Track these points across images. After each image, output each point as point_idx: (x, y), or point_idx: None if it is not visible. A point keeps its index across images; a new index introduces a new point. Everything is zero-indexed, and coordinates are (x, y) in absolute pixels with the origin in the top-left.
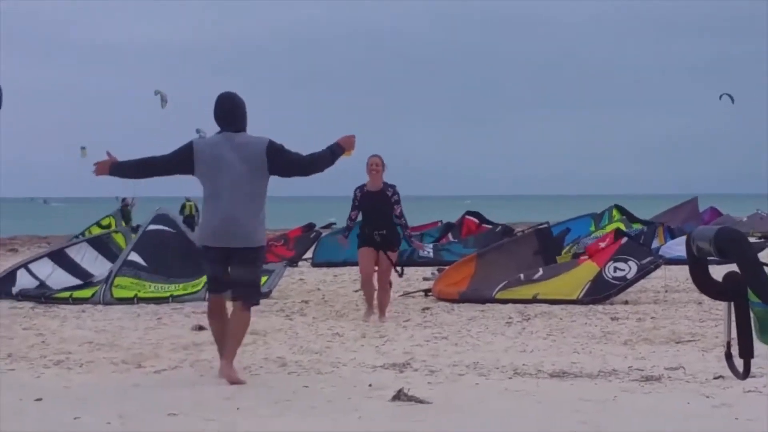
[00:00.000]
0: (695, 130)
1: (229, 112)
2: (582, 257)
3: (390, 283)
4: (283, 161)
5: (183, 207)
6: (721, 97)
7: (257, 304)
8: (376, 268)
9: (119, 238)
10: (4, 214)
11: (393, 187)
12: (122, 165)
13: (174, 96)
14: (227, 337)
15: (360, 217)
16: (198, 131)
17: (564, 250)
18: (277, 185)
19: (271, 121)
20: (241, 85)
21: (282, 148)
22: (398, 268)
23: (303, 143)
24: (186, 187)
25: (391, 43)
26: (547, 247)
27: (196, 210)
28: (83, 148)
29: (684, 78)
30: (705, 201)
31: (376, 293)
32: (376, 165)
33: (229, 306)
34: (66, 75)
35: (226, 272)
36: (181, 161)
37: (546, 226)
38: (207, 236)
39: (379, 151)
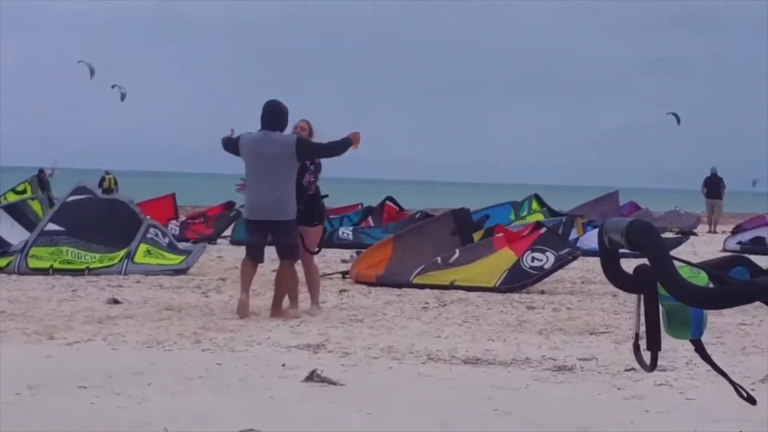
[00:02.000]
0: (631, 124)
1: (273, 115)
2: (497, 236)
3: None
4: (309, 151)
5: (102, 180)
6: (668, 114)
7: (296, 258)
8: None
9: (36, 206)
10: None
11: None
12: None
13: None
14: (276, 288)
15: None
16: (114, 86)
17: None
18: (200, 162)
19: (239, 107)
20: (197, 63)
21: (308, 142)
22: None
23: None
24: (105, 160)
25: (361, 29)
26: (464, 227)
27: (115, 183)
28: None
29: (629, 73)
30: (629, 195)
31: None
32: (301, 129)
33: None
34: None
35: (263, 241)
36: (233, 147)
37: (464, 207)
38: (250, 212)
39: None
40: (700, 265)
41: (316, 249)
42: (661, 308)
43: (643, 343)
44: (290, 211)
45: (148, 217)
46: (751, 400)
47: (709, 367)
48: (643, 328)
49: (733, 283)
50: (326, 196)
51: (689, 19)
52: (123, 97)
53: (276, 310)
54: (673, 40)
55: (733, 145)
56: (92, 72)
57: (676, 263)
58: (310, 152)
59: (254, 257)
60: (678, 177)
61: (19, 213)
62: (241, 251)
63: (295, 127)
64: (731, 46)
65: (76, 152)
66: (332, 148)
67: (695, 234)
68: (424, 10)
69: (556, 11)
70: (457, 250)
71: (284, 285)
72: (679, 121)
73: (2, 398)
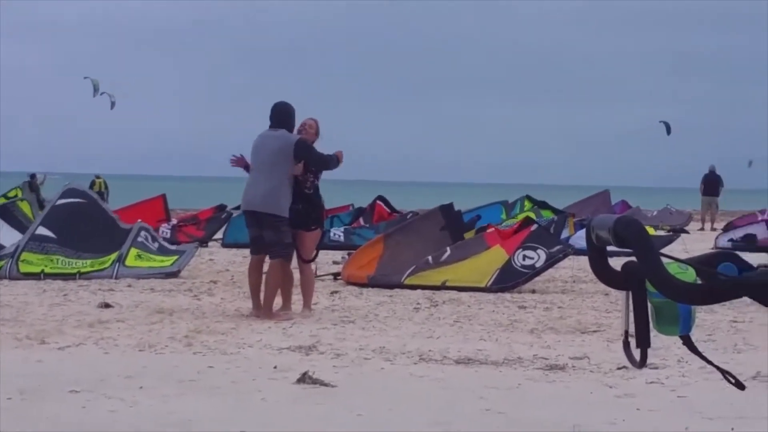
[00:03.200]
0: (631, 124)
1: (278, 114)
2: (488, 232)
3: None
4: (306, 155)
5: (92, 183)
6: (660, 122)
7: (284, 257)
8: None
9: (25, 207)
10: None
11: None
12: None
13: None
14: (265, 288)
15: None
16: (103, 93)
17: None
18: (191, 165)
19: (229, 110)
20: (182, 64)
21: (307, 146)
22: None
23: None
24: (96, 164)
25: (352, 27)
26: (452, 222)
27: (105, 187)
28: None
29: (628, 71)
30: (622, 193)
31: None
32: (309, 127)
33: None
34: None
35: (260, 235)
36: None
37: (451, 203)
38: (243, 203)
39: (330, 133)
40: (688, 261)
41: (312, 257)
42: (649, 305)
43: (633, 340)
44: (281, 206)
45: (140, 220)
46: (740, 386)
47: (701, 364)
48: (632, 325)
49: (720, 279)
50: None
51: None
52: (113, 105)
53: (266, 311)
54: (678, 35)
55: (733, 143)
56: (96, 90)
57: (664, 260)
58: (307, 157)
59: (255, 250)
60: (676, 175)
61: (8, 214)
62: (232, 254)
63: (302, 125)
64: (735, 41)
65: (69, 157)
66: (328, 161)
67: (687, 232)
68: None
69: (563, 10)
70: (448, 248)
71: (273, 285)
72: (669, 132)
73: None
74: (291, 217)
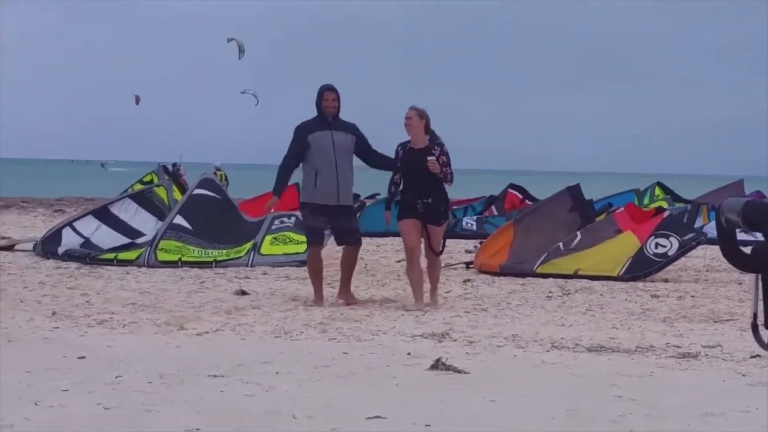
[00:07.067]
0: (749, 111)
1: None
2: (618, 211)
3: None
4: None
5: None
6: None
7: (358, 243)
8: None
9: (161, 192)
10: (53, 176)
11: (441, 145)
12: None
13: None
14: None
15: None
16: (244, 91)
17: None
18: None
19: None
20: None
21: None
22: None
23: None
24: (217, 155)
25: (406, 15)
26: (580, 203)
27: (226, 179)
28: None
29: (738, 61)
30: (754, 184)
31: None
32: (407, 118)
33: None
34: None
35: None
36: None
37: (577, 183)
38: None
39: (386, 120)
40: None
41: (442, 249)
42: None
43: (762, 324)
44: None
45: (272, 210)
46: None
47: None
48: (762, 308)
49: None
50: (378, 194)
51: None
52: (256, 100)
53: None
54: None
55: None
56: (241, 52)
57: None
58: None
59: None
60: None
61: (145, 200)
62: (365, 242)
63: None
64: None
65: (195, 147)
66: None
67: None
68: None
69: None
70: (578, 233)
71: (343, 266)
72: None
73: (135, 387)
74: (419, 211)
